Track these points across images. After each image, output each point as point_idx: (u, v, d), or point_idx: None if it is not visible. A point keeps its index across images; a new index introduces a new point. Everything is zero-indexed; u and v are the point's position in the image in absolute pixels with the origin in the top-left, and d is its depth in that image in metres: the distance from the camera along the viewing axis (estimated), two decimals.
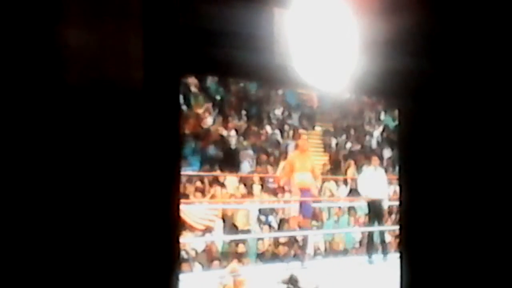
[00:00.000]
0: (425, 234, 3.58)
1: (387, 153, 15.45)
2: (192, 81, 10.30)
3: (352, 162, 14.68)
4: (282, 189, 11.51)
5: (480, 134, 3.60)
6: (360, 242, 13.08)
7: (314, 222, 11.78)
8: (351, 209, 13.45)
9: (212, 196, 10.60)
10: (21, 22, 2.45)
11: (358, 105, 14.98)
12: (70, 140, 2.51)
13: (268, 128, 13.49)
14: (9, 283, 2.39)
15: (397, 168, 3.55)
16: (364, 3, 3.23)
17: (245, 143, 12.48)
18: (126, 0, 2.67)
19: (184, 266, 8.15)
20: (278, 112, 13.83)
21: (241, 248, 10.12)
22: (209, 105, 10.70)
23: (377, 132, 16.16)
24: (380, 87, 3.36)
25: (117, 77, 2.61)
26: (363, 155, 14.74)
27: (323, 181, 12.87)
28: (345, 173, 14.59)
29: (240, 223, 10.56)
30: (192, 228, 8.20)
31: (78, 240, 2.50)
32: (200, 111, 10.21)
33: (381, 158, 14.16)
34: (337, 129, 15.33)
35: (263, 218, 11.09)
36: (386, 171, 12.51)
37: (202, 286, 8.11)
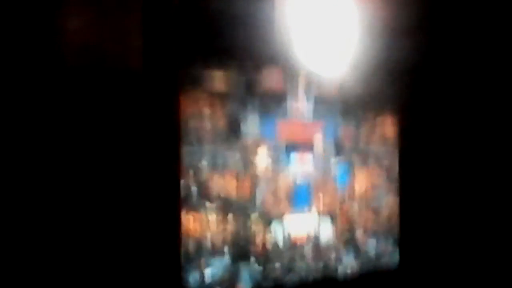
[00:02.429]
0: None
1: None
2: None
3: None
4: None
5: (478, 132, 3.63)
6: None
7: None
8: None
9: None
10: (22, 7, 2.48)
11: None
12: (70, 124, 2.54)
13: None
14: (11, 283, 2.42)
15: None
16: None
17: None
18: None
19: None
20: None
21: None
22: None
23: None
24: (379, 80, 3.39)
25: (116, 60, 2.64)
26: None
27: None
28: None
29: None
30: None
31: (73, 208, 2.52)
32: None
33: None
34: None
35: None
36: None
37: None
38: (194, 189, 2.83)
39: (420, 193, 3.61)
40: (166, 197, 2.75)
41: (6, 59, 2.45)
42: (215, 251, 2.89)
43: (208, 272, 2.86)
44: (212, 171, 2.88)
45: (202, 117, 2.86)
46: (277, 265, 3.10)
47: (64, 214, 2.53)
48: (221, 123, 2.93)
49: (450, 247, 3.67)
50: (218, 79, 2.92)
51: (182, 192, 2.78)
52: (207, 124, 2.88)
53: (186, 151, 2.80)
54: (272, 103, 3.10)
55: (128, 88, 2.64)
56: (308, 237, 3.21)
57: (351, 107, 3.37)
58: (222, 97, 2.92)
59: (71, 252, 2.54)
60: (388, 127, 3.54)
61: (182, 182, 2.77)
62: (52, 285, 2.50)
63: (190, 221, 2.81)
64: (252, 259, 3.01)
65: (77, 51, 2.57)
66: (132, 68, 2.65)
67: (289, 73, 3.16)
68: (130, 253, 2.63)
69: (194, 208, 2.82)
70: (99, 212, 2.59)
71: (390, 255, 3.53)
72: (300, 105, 3.20)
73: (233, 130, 2.96)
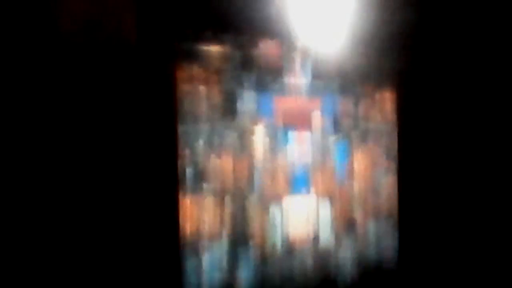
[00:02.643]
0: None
1: None
2: None
3: None
4: None
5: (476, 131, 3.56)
6: None
7: None
8: None
9: None
10: None
11: None
12: (67, 100, 2.45)
13: None
14: (9, 283, 2.34)
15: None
16: None
17: None
18: None
19: None
20: None
21: None
22: None
23: None
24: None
25: (111, 34, 2.53)
26: None
27: None
28: None
29: None
30: None
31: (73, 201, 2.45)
32: None
33: None
34: None
35: None
36: None
37: None
38: (190, 170, 2.68)
39: (419, 172, 3.51)
40: (163, 178, 2.62)
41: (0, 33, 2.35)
42: (213, 235, 2.75)
43: (207, 258, 2.73)
44: (208, 151, 2.74)
45: (198, 94, 2.71)
46: (276, 251, 2.98)
47: (60, 192, 2.42)
48: (217, 100, 2.78)
49: (450, 230, 3.59)
50: (213, 54, 2.77)
51: (179, 174, 2.64)
52: (203, 102, 2.73)
53: (181, 130, 2.65)
54: (269, 79, 2.96)
55: (123, 63, 2.53)
56: (307, 222, 3.09)
57: (349, 83, 3.24)
58: (217, 73, 2.77)
59: (69, 236, 2.43)
60: (387, 104, 3.41)
61: (179, 163, 2.62)
62: (48, 268, 2.40)
63: (187, 204, 2.67)
64: (251, 244, 2.88)
65: (72, 25, 2.44)
66: (126, 42, 2.52)
67: (286, 48, 3.01)
68: (128, 238, 2.53)
69: (191, 190, 2.68)
70: (94, 194, 2.48)
71: (390, 238, 3.42)
72: (298, 81, 3.05)
73: (229, 108, 2.81)
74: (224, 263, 2.80)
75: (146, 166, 2.58)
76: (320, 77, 3.12)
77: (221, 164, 2.78)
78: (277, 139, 2.98)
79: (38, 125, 2.39)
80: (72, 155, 2.44)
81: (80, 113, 2.46)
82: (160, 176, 2.61)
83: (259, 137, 2.92)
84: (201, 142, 2.72)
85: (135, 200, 2.55)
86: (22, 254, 2.36)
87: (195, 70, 2.70)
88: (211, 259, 2.76)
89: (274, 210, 2.96)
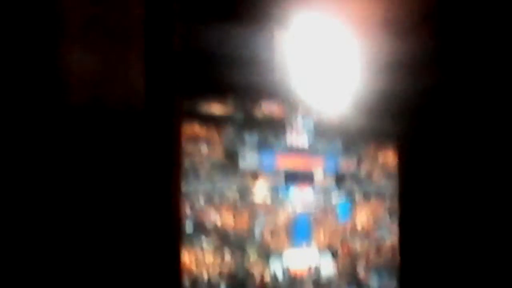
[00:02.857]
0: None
1: None
2: None
3: None
4: None
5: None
6: None
7: None
8: None
9: None
10: (25, 45, 2.50)
11: None
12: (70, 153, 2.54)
13: None
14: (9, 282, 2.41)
15: None
16: (363, 24, 3.27)
17: None
18: (128, 25, 2.72)
19: None
20: None
21: None
22: None
23: None
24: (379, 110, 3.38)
25: (118, 100, 2.66)
26: None
27: None
28: None
29: None
30: None
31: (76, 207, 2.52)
32: None
33: None
34: None
35: None
36: None
37: None
38: (190, 223, 2.83)
39: (422, 227, 3.58)
40: (165, 233, 2.75)
41: (6, 97, 2.46)
42: (212, 286, 2.87)
43: None
44: (209, 205, 2.88)
45: (201, 152, 2.87)
46: None
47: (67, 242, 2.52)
48: (220, 157, 2.93)
49: (454, 282, 3.62)
50: (217, 113, 2.93)
51: (181, 227, 2.78)
52: (206, 159, 2.88)
53: (183, 185, 2.80)
54: (271, 136, 3.10)
55: (129, 127, 2.65)
56: (309, 273, 3.18)
57: (352, 141, 3.36)
58: (220, 131, 2.93)
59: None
60: (389, 160, 3.52)
61: (181, 218, 2.77)
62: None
63: (186, 256, 2.79)
64: None
65: (80, 92, 2.59)
66: (134, 108, 2.67)
67: (288, 108, 3.16)
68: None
69: (191, 242, 2.81)
70: (98, 246, 2.57)
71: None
72: (300, 140, 3.19)
73: (231, 165, 2.96)
74: None
75: (150, 219, 2.70)
76: (323, 136, 3.25)
77: (221, 219, 2.91)
78: (278, 194, 3.10)
79: (46, 183, 2.49)
80: (79, 208, 2.55)
81: (87, 172, 2.57)
82: (161, 230, 2.74)
83: (260, 191, 3.05)
84: (201, 197, 2.86)
85: (137, 251, 2.63)
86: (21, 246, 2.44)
87: (198, 129, 2.86)
88: None
89: (274, 262, 3.07)
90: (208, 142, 2.90)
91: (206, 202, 2.87)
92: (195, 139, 2.87)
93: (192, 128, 2.86)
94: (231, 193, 2.95)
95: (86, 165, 2.57)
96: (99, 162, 2.60)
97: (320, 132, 3.24)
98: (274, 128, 3.11)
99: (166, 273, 2.73)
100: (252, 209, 3.02)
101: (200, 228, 2.85)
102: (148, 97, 2.71)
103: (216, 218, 2.90)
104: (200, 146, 2.88)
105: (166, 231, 2.75)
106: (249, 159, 3.02)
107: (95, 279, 2.56)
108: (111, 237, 2.60)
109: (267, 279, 3.04)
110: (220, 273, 2.90)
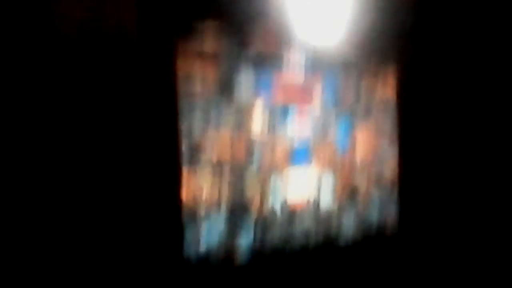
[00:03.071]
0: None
1: None
2: None
3: None
4: None
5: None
6: None
7: None
8: None
9: None
10: None
11: None
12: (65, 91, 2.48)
13: None
14: (9, 282, 2.38)
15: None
16: None
17: None
18: None
19: None
20: None
21: None
22: None
23: None
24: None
25: (111, 30, 2.59)
26: None
27: None
28: None
29: None
30: None
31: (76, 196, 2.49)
32: None
33: None
34: None
35: None
36: None
37: None
38: (190, 150, 2.73)
39: (420, 153, 3.50)
40: (164, 152, 2.65)
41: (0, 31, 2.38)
42: (212, 204, 2.77)
43: (206, 226, 2.74)
44: (206, 125, 2.77)
45: (197, 78, 2.76)
46: (276, 223, 2.98)
47: (64, 179, 2.46)
48: (215, 76, 2.81)
49: (451, 209, 3.57)
50: (211, 34, 2.81)
51: (180, 153, 2.69)
52: (201, 78, 2.77)
53: (180, 106, 2.69)
54: (268, 55, 2.98)
55: (123, 57, 2.55)
56: (308, 206, 3.08)
57: (351, 59, 3.24)
58: (216, 51, 2.81)
59: (71, 203, 2.48)
60: (389, 79, 3.41)
61: (180, 142, 2.67)
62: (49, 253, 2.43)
63: (186, 175, 2.69)
64: (250, 217, 2.89)
65: (71, 24, 2.48)
66: (127, 36, 2.56)
67: (285, 30, 3.03)
68: (130, 214, 2.56)
69: (191, 167, 2.71)
70: (98, 174, 2.53)
71: (392, 205, 3.40)
72: (298, 57, 3.07)
73: (228, 84, 2.84)
74: (224, 230, 2.81)
75: (149, 142, 2.63)
76: (321, 53, 3.12)
77: (219, 137, 2.79)
78: (276, 114, 2.99)
79: (41, 116, 2.43)
80: (78, 143, 2.48)
81: (83, 102, 2.50)
82: (161, 150, 2.66)
83: (258, 112, 2.93)
84: (199, 117, 2.74)
85: (138, 173, 2.58)
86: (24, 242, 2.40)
87: (194, 48, 2.74)
88: (210, 227, 2.76)
89: (274, 179, 2.96)
90: (204, 61, 2.78)
91: (203, 120, 2.76)
92: (191, 58, 2.75)
93: (188, 48, 2.74)
94: (229, 111, 2.84)
95: (78, 96, 2.51)
96: (92, 92, 2.54)
97: (319, 48, 3.12)
98: (272, 45, 2.99)
99: (166, 202, 2.65)
100: (250, 128, 2.90)
101: (198, 146, 2.75)
102: (139, 27, 2.62)
103: (214, 136, 2.79)
104: (197, 65, 2.76)
105: (165, 152, 2.66)
106: (245, 77, 2.90)
107: (97, 207, 2.51)
108: (111, 164, 2.55)
109: (266, 214, 2.93)
110: (219, 201, 2.80)
